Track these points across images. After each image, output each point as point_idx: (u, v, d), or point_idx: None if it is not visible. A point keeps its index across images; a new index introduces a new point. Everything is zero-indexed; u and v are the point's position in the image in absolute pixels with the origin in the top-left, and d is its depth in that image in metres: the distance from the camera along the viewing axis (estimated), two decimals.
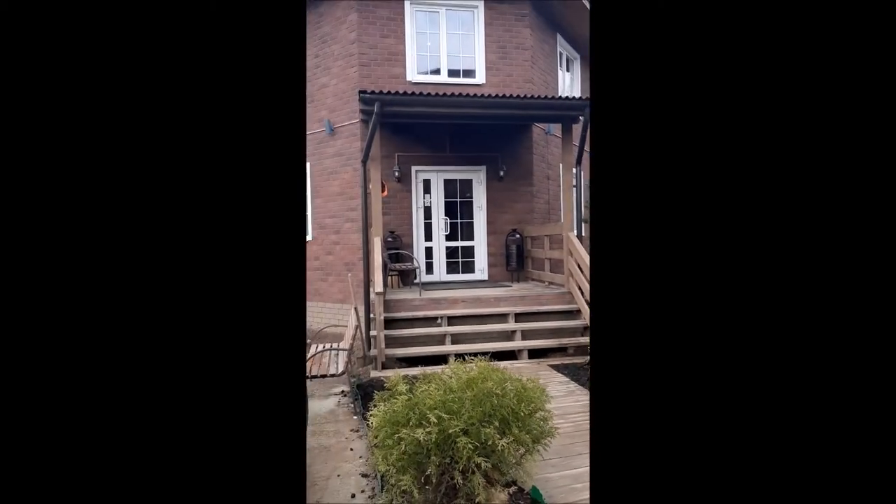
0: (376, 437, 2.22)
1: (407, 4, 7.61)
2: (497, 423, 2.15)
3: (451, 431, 2.04)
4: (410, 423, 2.12)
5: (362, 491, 2.83)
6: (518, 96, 5.96)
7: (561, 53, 9.38)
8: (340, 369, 4.06)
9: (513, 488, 2.46)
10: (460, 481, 2.08)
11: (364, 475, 3.03)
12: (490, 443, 2.09)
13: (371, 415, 2.30)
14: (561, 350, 5.86)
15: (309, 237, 8.47)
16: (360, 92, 5.32)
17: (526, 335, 5.85)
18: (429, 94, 5.52)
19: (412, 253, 7.58)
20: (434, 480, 2.11)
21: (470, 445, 2.04)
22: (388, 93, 5.33)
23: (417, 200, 7.80)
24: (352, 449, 3.45)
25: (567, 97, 6.76)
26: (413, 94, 5.52)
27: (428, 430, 2.03)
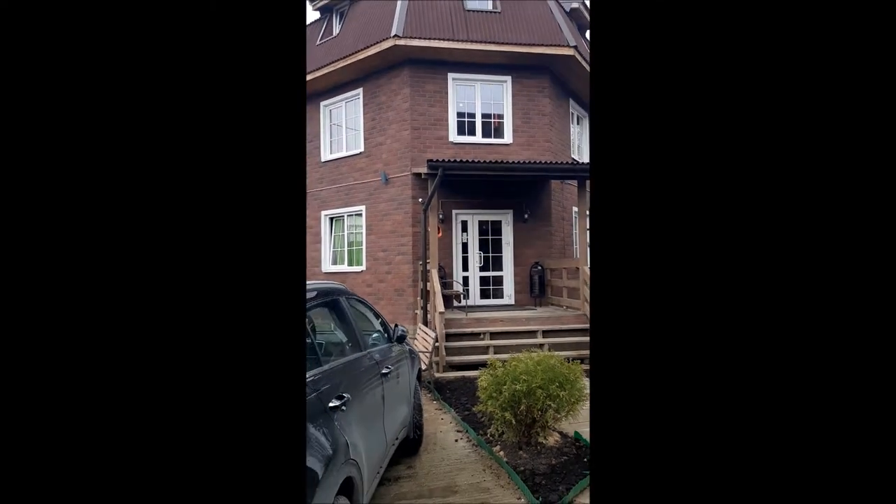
0: (485, 392, 3.80)
1: (450, 80, 9.45)
2: (557, 384, 3.73)
3: (533, 385, 3.62)
4: (507, 382, 3.70)
5: (460, 438, 4.37)
6: (543, 162, 7.70)
7: (573, 114, 11.21)
8: (425, 367, 5.63)
9: (561, 434, 4.03)
10: (538, 415, 3.66)
11: (458, 431, 4.57)
12: (553, 394, 3.66)
13: (480, 379, 3.89)
14: (580, 360, 7.40)
15: (362, 267, 10.12)
16: (428, 161, 7.08)
17: (552, 347, 7.41)
18: (478, 161, 7.26)
19: (452, 281, 9.20)
20: (523, 415, 3.69)
21: (543, 394, 3.62)
22: (449, 161, 7.06)
23: (457, 238, 9.47)
24: (442, 418, 5.00)
25: (581, 162, 8.54)
26: (466, 161, 7.25)
27: (520, 385, 3.62)
